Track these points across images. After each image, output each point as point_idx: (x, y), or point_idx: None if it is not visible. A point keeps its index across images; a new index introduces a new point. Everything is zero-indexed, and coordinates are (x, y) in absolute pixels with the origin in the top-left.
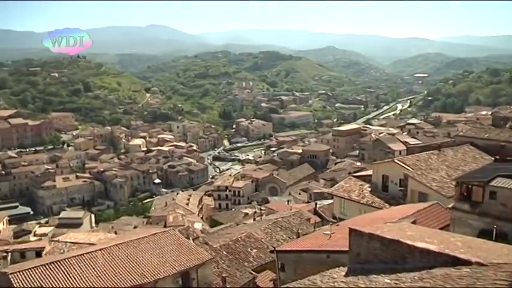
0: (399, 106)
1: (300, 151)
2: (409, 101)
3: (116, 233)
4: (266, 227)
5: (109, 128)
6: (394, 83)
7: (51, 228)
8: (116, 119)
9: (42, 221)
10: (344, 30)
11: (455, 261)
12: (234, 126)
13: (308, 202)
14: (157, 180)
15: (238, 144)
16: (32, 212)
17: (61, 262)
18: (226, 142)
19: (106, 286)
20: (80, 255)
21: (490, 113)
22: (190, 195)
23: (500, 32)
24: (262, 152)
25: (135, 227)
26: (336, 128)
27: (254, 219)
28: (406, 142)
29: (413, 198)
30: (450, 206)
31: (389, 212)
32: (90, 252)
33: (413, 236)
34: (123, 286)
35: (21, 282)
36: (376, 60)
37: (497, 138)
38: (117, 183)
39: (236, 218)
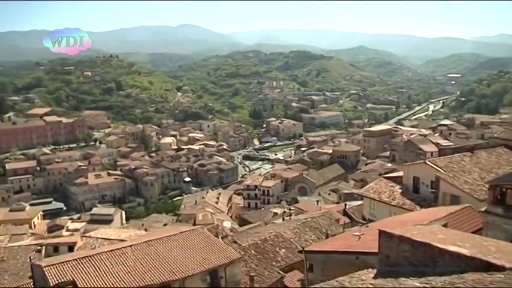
0: (431, 107)
1: (330, 151)
2: (441, 102)
3: (145, 230)
4: (295, 227)
5: (140, 126)
6: (426, 83)
7: (83, 223)
8: (147, 118)
9: (75, 216)
10: (376, 29)
11: (488, 267)
12: (264, 125)
13: (337, 203)
14: (187, 179)
15: (268, 144)
16: (64, 208)
17: (92, 257)
18: (256, 141)
19: (135, 282)
20: (111, 251)
21: None
22: (219, 194)
23: None
24: (292, 151)
25: (164, 225)
26: (366, 129)
27: (283, 219)
28: (438, 143)
29: (444, 200)
30: (483, 209)
31: (420, 214)
32: (121, 248)
33: (445, 239)
34: (152, 283)
35: (54, 275)
36: (408, 60)
37: None
38: (147, 181)
39: (265, 218)
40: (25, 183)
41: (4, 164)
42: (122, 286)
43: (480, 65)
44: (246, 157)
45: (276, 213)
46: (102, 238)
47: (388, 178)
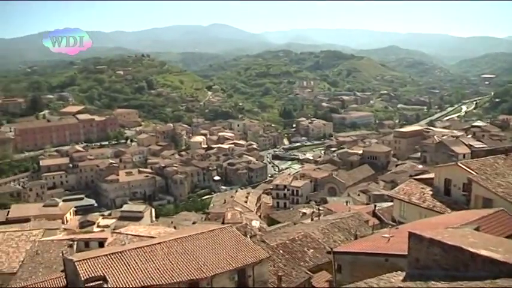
0: (464, 108)
1: (360, 152)
2: (474, 103)
3: (175, 227)
4: (324, 228)
5: (171, 125)
6: (459, 83)
7: (114, 220)
8: (177, 116)
9: (106, 213)
10: (407, 29)
11: None
12: (294, 125)
13: (367, 204)
14: (216, 178)
15: (298, 144)
16: (96, 204)
17: (122, 253)
18: (286, 141)
19: (164, 279)
20: (140, 247)
21: None
22: (248, 193)
23: None
24: (322, 151)
25: (193, 223)
26: (397, 129)
27: (312, 219)
28: (470, 145)
29: (477, 203)
30: None
31: (451, 217)
32: (150, 245)
33: (477, 244)
34: (180, 280)
35: (85, 269)
36: (440, 60)
37: None
38: (177, 179)
39: (294, 217)
40: (58, 180)
41: (38, 160)
42: (151, 283)
43: None
44: (275, 157)
45: (304, 213)
46: (132, 235)
47: (418, 180)
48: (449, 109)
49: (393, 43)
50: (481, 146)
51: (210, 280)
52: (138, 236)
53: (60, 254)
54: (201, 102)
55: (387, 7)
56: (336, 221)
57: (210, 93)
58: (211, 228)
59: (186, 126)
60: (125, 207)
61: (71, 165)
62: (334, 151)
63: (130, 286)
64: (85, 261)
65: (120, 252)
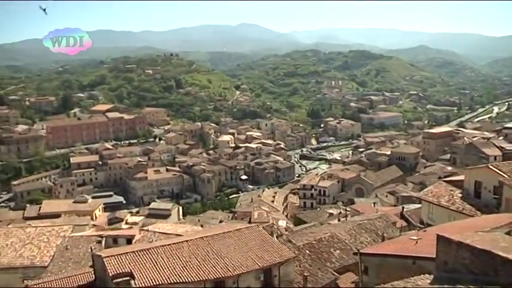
0: (496, 109)
1: (389, 153)
2: (507, 104)
3: (201, 226)
4: (350, 229)
5: (199, 123)
6: (490, 84)
7: (142, 217)
8: (205, 115)
9: (134, 210)
10: (437, 28)
11: None
12: (322, 125)
13: (395, 205)
14: (244, 177)
15: (326, 144)
16: (124, 202)
17: (149, 250)
18: (313, 141)
19: (190, 276)
20: (167, 245)
21: None
22: (275, 193)
23: None
24: (350, 152)
25: (220, 221)
26: (426, 130)
27: (339, 220)
28: (502, 147)
29: (508, 207)
30: None
31: (481, 220)
32: (177, 243)
33: (508, 248)
34: (206, 278)
35: (113, 265)
36: (471, 60)
37: None
38: (205, 178)
39: (320, 218)
40: (88, 177)
41: (69, 157)
42: (177, 280)
43: None
44: (303, 156)
45: (331, 214)
46: (160, 232)
47: (448, 182)
48: (480, 110)
49: (423, 43)
50: None
51: (236, 279)
52: (165, 233)
53: (89, 250)
54: (229, 101)
55: (417, 6)
56: (363, 222)
57: (238, 92)
58: (237, 227)
59: (214, 125)
60: (153, 205)
61: (100, 162)
62: (362, 151)
63: (157, 283)
64: (113, 257)
65: (148, 249)
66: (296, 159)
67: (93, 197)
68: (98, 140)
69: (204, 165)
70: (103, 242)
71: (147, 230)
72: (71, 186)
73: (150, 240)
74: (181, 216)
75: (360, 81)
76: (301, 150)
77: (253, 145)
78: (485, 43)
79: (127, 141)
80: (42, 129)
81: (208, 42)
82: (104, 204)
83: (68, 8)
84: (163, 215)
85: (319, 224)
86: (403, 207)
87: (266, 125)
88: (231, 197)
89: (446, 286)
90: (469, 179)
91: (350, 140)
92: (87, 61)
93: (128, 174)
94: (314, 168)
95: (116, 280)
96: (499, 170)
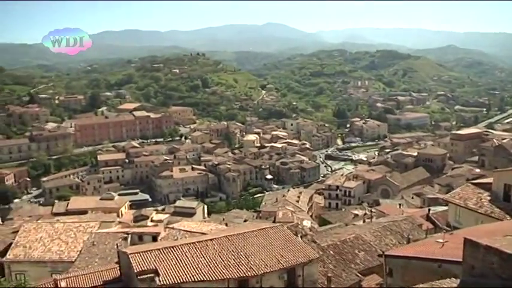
0: None
1: (415, 154)
2: None
3: (226, 224)
4: (375, 230)
5: (225, 123)
6: None
7: (167, 215)
8: (231, 115)
9: (159, 208)
10: (466, 28)
11: None
12: (348, 125)
13: (421, 207)
14: (269, 176)
15: (352, 144)
16: (150, 199)
17: (174, 248)
18: (339, 141)
19: (214, 275)
20: (192, 243)
21: None
22: (300, 193)
23: None
24: (376, 153)
25: (245, 221)
26: (454, 132)
27: (364, 221)
28: None
29: None
30: None
31: (510, 224)
32: (202, 241)
33: None
34: (230, 277)
35: (138, 262)
36: (501, 60)
37: None
38: (230, 177)
39: (345, 219)
40: (115, 174)
41: (96, 155)
42: (201, 278)
43: None
44: (328, 157)
45: (356, 215)
46: (184, 230)
47: (475, 184)
48: (511, 111)
49: (451, 42)
50: None
51: (260, 278)
52: (190, 231)
53: (115, 246)
54: (254, 101)
55: (443, 6)
56: (388, 223)
57: (264, 92)
58: (262, 226)
59: (239, 124)
60: (178, 203)
61: (127, 160)
62: (388, 152)
63: (181, 280)
64: (138, 254)
65: (173, 246)
66: (321, 160)
67: (120, 195)
68: (125, 138)
69: (229, 164)
70: (129, 239)
71: (172, 228)
72: (98, 184)
73: (175, 238)
74: (206, 215)
75: (386, 81)
76: (327, 151)
77: (278, 145)
78: None
79: (153, 140)
80: (71, 127)
81: (235, 42)
82: (130, 201)
83: (97, 9)
84: (189, 213)
85: (344, 225)
86: (429, 210)
87: (292, 124)
88: (255, 196)
89: None
90: (498, 181)
91: (376, 141)
92: (115, 60)
93: (153, 172)
94: (339, 169)
95: (141, 277)
96: None
